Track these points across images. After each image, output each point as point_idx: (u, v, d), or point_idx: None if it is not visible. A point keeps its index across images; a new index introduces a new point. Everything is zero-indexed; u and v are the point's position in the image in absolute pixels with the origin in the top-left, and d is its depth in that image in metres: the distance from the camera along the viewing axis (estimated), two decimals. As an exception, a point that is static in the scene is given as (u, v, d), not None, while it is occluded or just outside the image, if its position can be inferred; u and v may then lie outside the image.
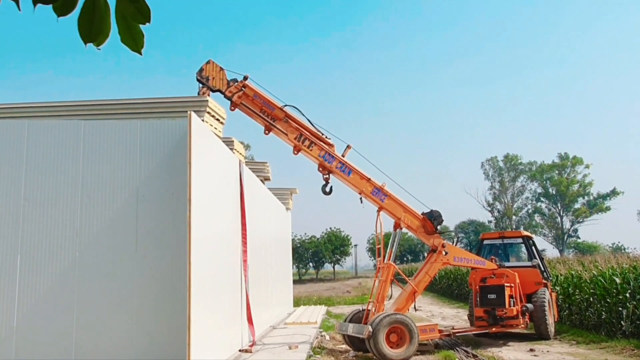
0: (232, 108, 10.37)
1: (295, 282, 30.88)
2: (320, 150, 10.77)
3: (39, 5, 2.05)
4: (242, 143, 12.68)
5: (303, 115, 10.84)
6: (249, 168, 12.05)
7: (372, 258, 67.21)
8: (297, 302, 22.61)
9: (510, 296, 12.43)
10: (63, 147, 7.64)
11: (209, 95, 10.03)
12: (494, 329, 12.46)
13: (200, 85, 10.13)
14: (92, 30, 2.17)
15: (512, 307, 12.33)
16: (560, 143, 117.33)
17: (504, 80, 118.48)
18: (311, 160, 10.94)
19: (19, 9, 2.07)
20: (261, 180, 14.36)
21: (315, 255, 52.25)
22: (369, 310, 10.98)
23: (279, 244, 16.10)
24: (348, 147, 11.15)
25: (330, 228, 54.05)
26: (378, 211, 11.26)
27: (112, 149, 7.68)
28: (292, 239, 28.22)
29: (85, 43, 2.18)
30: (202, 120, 8.45)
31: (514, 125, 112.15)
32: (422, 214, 11.47)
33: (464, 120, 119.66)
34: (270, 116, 10.52)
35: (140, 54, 2.27)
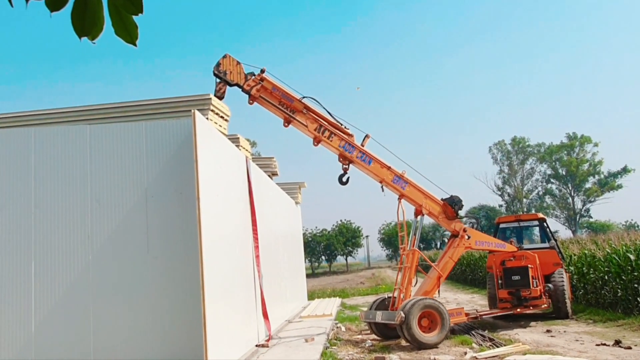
0: (251, 102, 10.36)
1: (308, 276, 30.98)
2: (340, 141, 10.76)
3: (32, 1, 2.06)
4: (247, 140, 12.69)
5: (322, 106, 10.83)
6: (256, 164, 12.07)
7: (385, 248, 67.10)
8: (312, 296, 22.68)
9: (533, 277, 12.58)
10: (70, 152, 7.69)
11: (224, 90, 10.04)
12: (518, 310, 12.67)
13: (218, 80, 10.11)
14: (85, 24, 2.19)
15: (535, 288, 12.53)
16: (568, 123, 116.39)
17: (508, 63, 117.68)
18: (331, 151, 10.94)
19: (11, 5, 2.08)
20: (269, 176, 14.38)
21: (327, 248, 52.31)
22: (395, 297, 11.04)
23: (290, 238, 16.13)
24: (367, 136, 11.15)
25: (341, 220, 54.07)
26: (399, 199, 11.30)
27: (119, 152, 7.71)
28: (304, 233, 28.27)
29: (80, 37, 2.19)
30: (207, 118, 8.47)
31: (520, 108, 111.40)
32: (442, 199, 11.51)
33: (470, 105, 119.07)
34: (290, 108, 10.49)
35: (135, 45, 2.28)
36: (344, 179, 11.00)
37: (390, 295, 11.70)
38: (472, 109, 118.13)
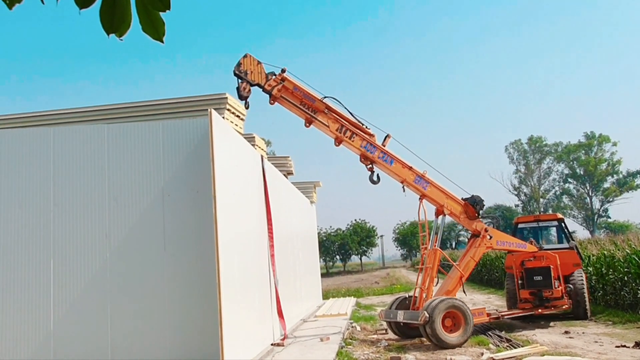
0: (272, 102, 10.32)
1: (323, 275, 30.99)
2: (361, 141, 10.72)
3: None
4: (263, 139, 12.71)
5: (343, 106, 10.80)
6: (272, 163, 12.09)
7: (399, 248, 66.83)
8: (326, 295, 22.67)
9: (555, 278, 12.59)
10: (88, 151, 7.76)
11: (249, 89, 9.99)
12: (539, 310, 12.64)
13: (239, 80, 10.06)
14: (114, 21, 2.20)
15: (557, 288, 12.53)
16: (586, 122, 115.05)
17: (526, 61, 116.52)
18: (353, 152, 10.91)
19: (42, 2, 2.10)
20: (284, 175, 14.39)
21: (341, 248, 52.24)
22: (416, 296, 11.00)
23: (305, 237, 16.13)
24: (388, 136, 11.09)
25: (356, 220, 53.97)
26: (420, 199, 11.25)
27: (136, 151, 7.77)
28: (318, 233, 28.28)
29: (108, 34, 2.21)
30: (223, 117, 8.49)
31: (537, 106, 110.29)
32: (463, 199, 11.43)
33: (487, 104, 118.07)
34: (311, 108, 10.45)
35: (162, 42, 2.29)
36: (375, 178, 10.96)
37: (410, 294, 11.67)
38: (489, 108, 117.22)
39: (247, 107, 10.00)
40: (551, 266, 12.62)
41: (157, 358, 7.26)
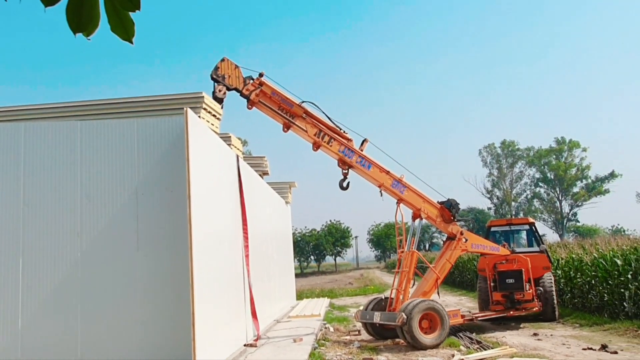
0: (250, 107, 10.17)
1: (297, 275, 30.95)
2: (339, 146, 10.72)
3: None
4: (239, 138, 12.65)
5: (321, 110, 10.77)
6: (247, 163, 12.03)
7: (373, 249, 67.25)
8: (300, 296, 22.66)
9: (526, 280, 12.89)
10: (60, 148, 7.61)
11: (225, 92, 9.81)
12: (511, 312, 12.92)
13: (216, 84, 9.89)
14: (81, 20, 2.14)
15: (528, 291, 12.84)
16: (557, 127, 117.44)
17: (497, 67, 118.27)
18: (331, 156, 10.87)
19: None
20: (260, 175, 14.35)
21: (316, 248, 52.34)
22: (392, 298, 11.07)
23: (280, 237, 16.11)
24: (365, 140, 11.12)
25: (330, 220, 54.15)
26: (398, 203, 11.34)
27: (110, 148, 7.65)
28: (293, 233, 28.26)
29: (75, 33, 2.14)
30: (199, 116, 8.43)
31: (510, 111, 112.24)
32: (439, 202, 11.57)
33: (460, 108, 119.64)
34: (289, 113, 10.37)
35: (132, 42, 2.23)
36: (345, 184, 10.96)
37: (386, 295, 11.75)
38: (463, 112, 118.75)
39: (221, 108, 9.92)
40: (523, 269, 12.91)
41: (129, 358, 7.16)
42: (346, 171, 10.88)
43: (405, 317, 9.94)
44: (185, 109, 7.18)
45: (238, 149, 11.69)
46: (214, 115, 9.63)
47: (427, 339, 10.09)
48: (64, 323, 7.20)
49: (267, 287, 12.55)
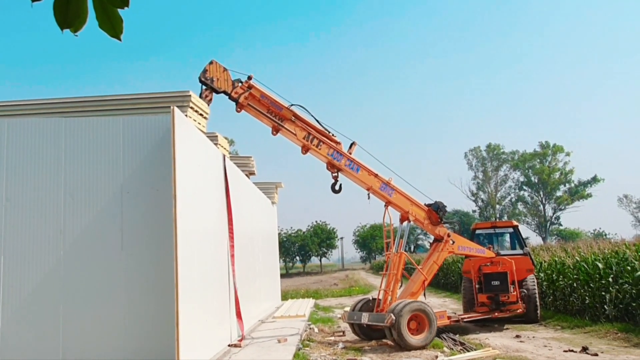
0: (238, 110, 10.11)
1: (282, 276, 30.91)
2: (328, 149, 10.71)
3: None
4: (226, 138, 12.60)
5: (310, 114, 10.74)
6: (234, 163, 11.99)
7: (359, 250, 67.40)
8: (285, 296, 22.63)
9: (511, 283, 13.06)
10: (44, 145, 7.52)
11: (211, 98, 9.76)
12: (496, 314, 13.08)
13: (204, 87, 9.81)
14: (68, 15, 2.11)
15: (513, 293, 13.04)
16: (542, 132, 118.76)
17: (484, 71, 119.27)
18: (319, 159, 10.87)
19: None
20: (246, 175, 14.30)
21: (301, 249, 52.34)
22: (380, 299, 11.10)
23: (265, 238, 16.08)
24: (353, 143, 11.13)
25: (316, 221, 54.22)
26: (386, 206, 11.38)
27: (95, 146, 7.58)
28: (279, 233, 28.23)
29: (62, 29, 2.12)
30: (186, 115, 8.38)
31: (496, 115, 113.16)
32: (426, 205, 11.64)
33: (447, 111, 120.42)
34: (278, 117, 10.32)
35: (119, 39, 2.21)
36: (337, 187, 10.97)
37: (373, 296, 11.81)
38: (450, 115, 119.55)
39: (208, 107, 9.87)
40: (508, 271, 13.08)
41: (111, 358, 7.10)
42: (336, 174, 10.91)
43: (394, 317, 10.00)
44: (172, 107, 7.13)
45: (225, 148, 11.64)
46: (201, 114, 9.58)
47: (415, 339, 10.16)
48: (46, 322, 7.12)
49: (252, 288, 12.51)
